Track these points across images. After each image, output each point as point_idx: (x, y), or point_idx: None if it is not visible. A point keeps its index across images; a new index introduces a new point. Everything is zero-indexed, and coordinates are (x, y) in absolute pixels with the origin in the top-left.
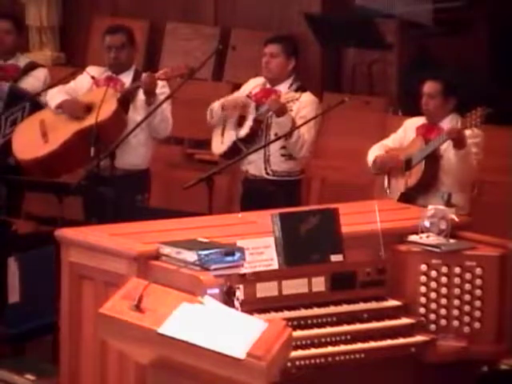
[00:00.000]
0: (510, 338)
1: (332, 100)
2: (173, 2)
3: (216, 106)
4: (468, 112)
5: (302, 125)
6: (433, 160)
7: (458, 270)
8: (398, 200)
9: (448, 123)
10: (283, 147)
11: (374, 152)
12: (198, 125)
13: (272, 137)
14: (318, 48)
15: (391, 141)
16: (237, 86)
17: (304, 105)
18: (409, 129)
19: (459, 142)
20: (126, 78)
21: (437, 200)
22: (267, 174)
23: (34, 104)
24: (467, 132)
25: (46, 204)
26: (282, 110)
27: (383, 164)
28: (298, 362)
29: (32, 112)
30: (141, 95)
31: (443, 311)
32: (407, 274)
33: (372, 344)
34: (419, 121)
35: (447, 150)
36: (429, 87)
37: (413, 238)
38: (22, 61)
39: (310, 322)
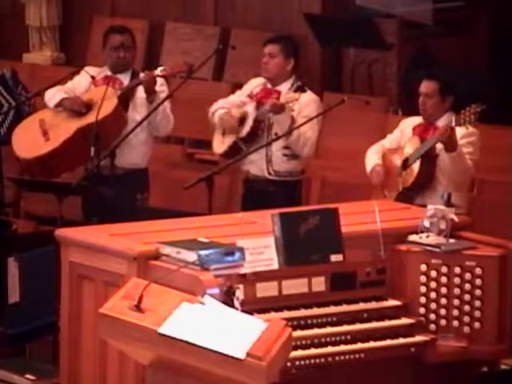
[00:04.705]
0: (510, 338)
1: (332, 100)
2: (173, 1)
3: (216, 115)
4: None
5: (303, 123)
6: (429, 159)
7: (457, 269)
8: (394, 200)
9: (444, 122)
10: (285, 147)
11: (372, 156)
12: (198, 124)
13: (273, 137)
14: (318, 48)
15: (388, 141)
16: (237, 86)
17: (305, 104)
18: (405, 129)
19: (449, 144)
20: (124, 78)
21: (434, 199)
22: (269, 174)
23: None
24: (462, 131)
25: (46, 204)
26: (281, 109)
27: (379, 178)
28: (297, 362)
29: (16, 119)
30: (140, 94)
31: (443, 311)
32: (407, 274)
33: (372, 344)
34: (416, 120)
35: (443, 149)
36: (425, 87)
37: (413, 237)
38: None
39: (309, 322)
